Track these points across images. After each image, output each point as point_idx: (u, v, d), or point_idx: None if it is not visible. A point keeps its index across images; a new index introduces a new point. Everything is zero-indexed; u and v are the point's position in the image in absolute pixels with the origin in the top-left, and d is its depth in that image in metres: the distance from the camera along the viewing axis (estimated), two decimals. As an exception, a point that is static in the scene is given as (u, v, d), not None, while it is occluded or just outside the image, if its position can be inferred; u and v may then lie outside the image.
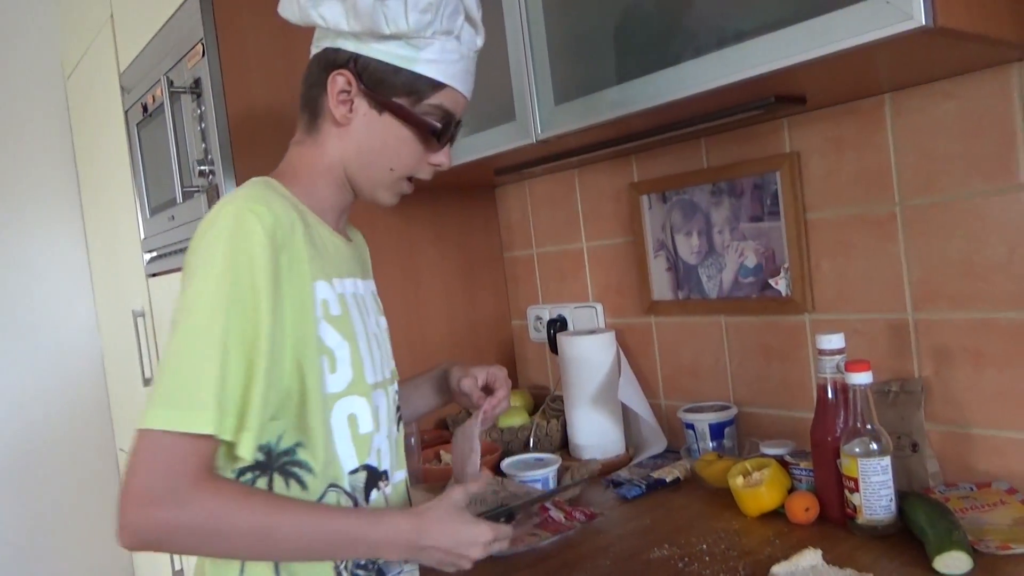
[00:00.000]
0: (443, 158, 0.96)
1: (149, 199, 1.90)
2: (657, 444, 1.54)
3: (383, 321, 1.04)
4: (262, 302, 0.78)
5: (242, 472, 0.84)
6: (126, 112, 1.97)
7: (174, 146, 1.63)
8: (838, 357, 1.10)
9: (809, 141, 1.30)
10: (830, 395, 1.11)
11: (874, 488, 1.02)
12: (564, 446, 1.65)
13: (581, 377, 1.57)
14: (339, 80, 0.90)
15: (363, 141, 0.92)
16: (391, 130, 0.91)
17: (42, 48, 2.57)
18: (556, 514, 1.25)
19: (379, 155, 0.93)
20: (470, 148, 1.38)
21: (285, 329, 0.81)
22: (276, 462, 0.84)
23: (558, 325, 1.78)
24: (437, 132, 0.92)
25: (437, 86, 0.90)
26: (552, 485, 1.40)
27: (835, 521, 1.09)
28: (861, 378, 1.04)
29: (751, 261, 1.40)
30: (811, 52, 0.89)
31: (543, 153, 1.43)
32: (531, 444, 1.62)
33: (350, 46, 0.90)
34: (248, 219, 0.79)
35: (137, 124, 1.89)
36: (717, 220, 1.45)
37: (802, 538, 1.05)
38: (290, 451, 0.85)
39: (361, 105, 0.91)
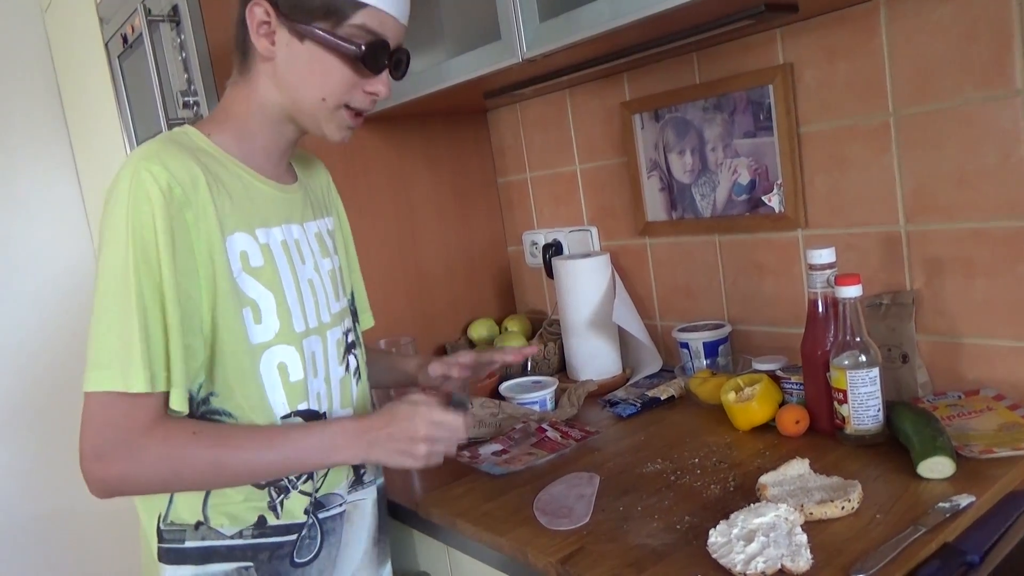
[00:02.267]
0: (379, 86, 0.91)
1: (136, 131, 1.88)
2: (653, 364, 1.56)
3: (327, 263, 1.01)
4: (163, 259, 0.79)
5: None
6: (106, 44, 1.92)
7: (156, 77, 1.59)
8: (828, 271, 1.10)
9: (802, 52, 1.26)
10: (820, 309, 1.11)
11: (862, 399, 1.03)
12: (562, 369, 1.67)
13: (577, 300, 1.57)
14: (256, 11, 0.87)
15: (290, 72, 0.89)
16: (315, 58, 0.87)
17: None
18: (552, 434, 1.27)
19: (307, 86, 0.89)
20: (456, 70, 1.35)
21: (197, 283, 0.83)
22: (196, 411, 0.87)
23: (553, 250, 1.78)
24: (361, 56, 0.87)
25: (357, 5, 0.86)
26: (550, 407, 1.43)
27: (825, 432, 1.11)
28: (850, 291, 1.04)
29: (744, 178, 1.39)
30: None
31: (531, 73, 1.39)
32: (529, 367, 1.64)
33: None
34: (144, 179, 0.79)
35: (118, 56, 1.85)
36: (710, 137, 1.43)
37: (792, 449, 1.07)
38: (205, 400, 0.87)
39: (282, 35, 0.87)
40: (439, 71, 1.39)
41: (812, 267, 1.11)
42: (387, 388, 1.33)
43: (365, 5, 0.86)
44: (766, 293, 1.41)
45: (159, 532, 0.88)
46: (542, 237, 1.83)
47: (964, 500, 0.84)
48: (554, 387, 1.44)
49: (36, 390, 2.47)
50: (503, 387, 1.47)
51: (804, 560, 0.76)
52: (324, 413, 0.96)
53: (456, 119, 1.87)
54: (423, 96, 1.45)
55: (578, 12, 1.10)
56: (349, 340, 1.03)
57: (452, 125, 1.87)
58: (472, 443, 1.27)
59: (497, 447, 1.26)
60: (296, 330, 0.91)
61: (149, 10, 1.58)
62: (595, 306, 1.57)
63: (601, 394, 1.47)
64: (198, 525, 0.88)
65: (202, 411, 0.87)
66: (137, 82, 1.78)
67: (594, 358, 1.57)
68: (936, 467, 0.91)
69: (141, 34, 1.62)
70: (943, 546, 0.79)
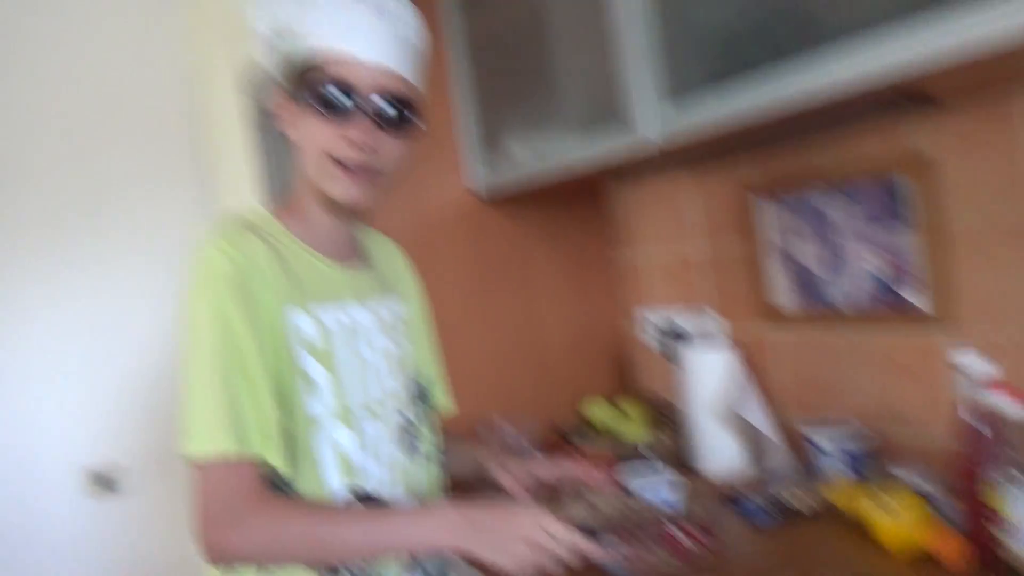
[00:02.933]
0: (353, 131, 0.88)
1: (272, 190, 1.98)
2: (781, 463, 1.47)
3: (390, 344, 1.01)
4: (242, 328, 0.83)
5: None
6: (249, 106, 2.06)
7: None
8: (983, 379, 1.01)
9: (943, 141, 1.18)
10: (976, 422, 1.02)
11: (1029, 529, 0.93)
12: (680, 459, 1.60)
13: (699, 388, 1.52)
14: (275, 102, 0.94)
15: (299, 143, 0.93)
16: (303, 118, 0.91)
17: (171, 51, 2.69)
18: (678, 534, 1.22)
19: (303, 148, 0.92)
20: (572, 149, 1.35)
21: (266, 353, 0.85)
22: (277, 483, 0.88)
23: (671, 330, 1.73)
24: (315, 97, 0.88)
25: (315, 53, 0.88)
26: (672, 501, 1.37)
27: (985, 560, 1.00)
28: (1011, 404, 0.95)
29: (879, 270, 1.31)
30: (948, 48, 0.81)
31: (651, 154, 1.38)
32: (645, 455, 1.58)
33: (271, 58, 0.94)
34: (214, 257, 0.85)
35: (257, 123, 1.97)
36: (841, 225, 1.36)
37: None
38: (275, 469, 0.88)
39: (291, 114, 0.93)
40: (559, 152, 1.40)
41: (964, 373, 1.02)
42: (464, 478, 1.30)
43: (321, 50, 0.87)
44: (907, 395, 1.31)
45: None
46: (659, 317, 1.79)
47: None
48: (677, 481, 1.38)
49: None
50: (622, 477, 1.43)
51: None
52: (383, 497, 0.95)
53: (573, 196, 1.88)
54: (540, 174, 1.47)
55: (704, 97, 1.08)
56: (413, 424, 1.02)
57: (569, 202, 1.87)
58: (589, 532, 1.22)
59: (618, 541, 1.21)
60: (351, 408, 0.92)
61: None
62: (717, 395, 1.51)
63: (725, 492, 1.40)
64: None
65: (278, 484, 0.88)
66: (274, 148, 1.89)
67: (717, 451, 1.51)
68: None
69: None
70: None
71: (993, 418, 0.98)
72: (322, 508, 0.87)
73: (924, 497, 1.09)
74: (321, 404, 0.90)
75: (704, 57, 1.11)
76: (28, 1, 2.47)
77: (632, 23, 1.18)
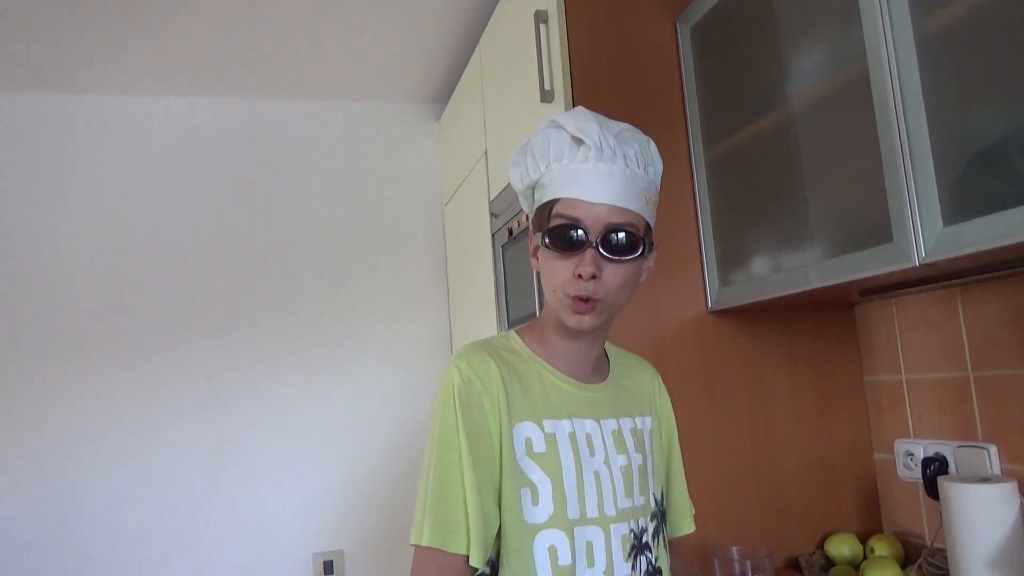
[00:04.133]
0: (583, 267, 0.95)
1: (509, 314, 2.08)
2: (1086, 633, 1.22)
3: (623, 459, 1.04)
4: (462, 437, 0.93)
5: None
6: (493, 235, 2.20)
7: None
8: None
9: None
10: None
11: None
12: (949, 614, 1.38)
13: (972, 533, 1.32)
14: (532, 241, 1.05)
15: (543, 276, 1.03)
16: (544, 258, 1.01)
17: (427, 180, 3.03)
18: None
19: (545, 284, 1.02)
20: (836, 270, 1.29)
21: (493, 458, 0.95)
22: None
23: (936, 465, 1.54)
24: (546, 236, 0.98)
25: (552, 203, 0.99)
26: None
27: None
28: None
29: None
30: None
31: (923, 275, 1.27)
32: (907, 607, 1.39)
33: (525, 206, 1.08)
34: (452, 373, 0.97)
35: (503, 246, 2.10)
36: None
37: None
38: (496, 569, 0.95)
39: (538, 250, 1.04)
40: (813, 271, 1.34)
41: None
42: None
43: (556, 200, 0.99)
44: None
45: None
46: (921, 449, 1.60)
47: None
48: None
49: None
50: (877, 628, 1.26)
51: None
52: None
53: (820, 311, 1.78)
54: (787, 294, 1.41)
55: (991, 217, 0.99)
56: (643, 541, 1.03)
57: (815, 317, 1.77)
58: None
59: None
60: (569, 516, 0.96)
61: (536, 210, 1.78)
62: (997, 543, 1.30)
63: (1010, 661, 1.18)
64: None
65: None
66: (516, 269, 2.00)
67: (997, 610, 1.28)
68: None
69: (526, 229, 1.82)
70: None
71: None
72: None
73: None
74: (541, 511, 0.95)
75: (982, 180, 1.03)
76: (302, 143, 2.92)
77: (903, 150, 1.13)
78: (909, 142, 1.12)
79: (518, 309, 1.99)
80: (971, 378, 1.51)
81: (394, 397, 2.87)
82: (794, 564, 1.64)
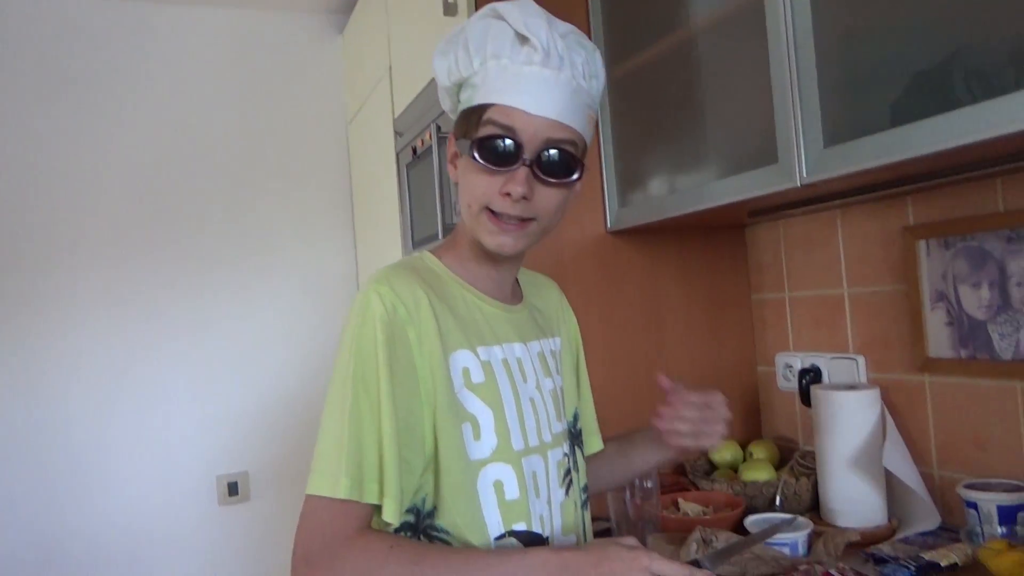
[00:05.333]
0: (512, 185, 0.86)
1: (414, 233, 2.07)
2: (927, 520, 1.37)
3: (549, 382, 0.99)
4: (381, 375, 0.82)
5: (397, 532, 0.86)
6: (398, 154, 2.16)
7: (438, 186, 1.76)
8: None
9: None
10: None
11: None
12: (814, 507, 1.52)
13: (838, 435, 1.44)
14: (449, 145, 0.95)
15: (461, 189, 0.94)
16: (464, 168, 0.92)
17: (330, 97, 2.92)
18: None
19: (461, 197, 0.93)
20: (724, 191, 1.34)
21: (418, 398, 0.84)
22: (422, 524, 0.87)
23: (811, 376, 1.66)
24: (474, 146, 0.87)
25: (484, 108, 0.88)
26: (802, 551, 1.30)
27: None
28: None
29: (1058, 320, 1.21)
30: None
31: (805, 195, 1.34)
32: (778, 502, 1.51)
33: (447, 105, 0.97)
34: (372, 300, 0.85)
35: (407, 165, 2.07)
36: (1015, 271, 1.27)
37: None
38: (430, 514, 0.87)
39: (459, 159, 0.94)
40: (705, 191, 1.39)
41: None
42: (622, 485, 1.25)
43: (489, 105, 0.88)
44: (1084, 457, 1.19)
45: None
46: (798, 361, 1.72)
47: None
48: (809, 530, 1.31)
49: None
50: (749, 521, 1.37)
51: None
52: (546, 537, 0.93)
53: (712, 232, 1.85)
54: (682, 214, 1.46)
55: (867, 140, 1.05)
56: (569, 463, 1.00)
57: (708, 238, 1.85)
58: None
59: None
60: (515, 448, 0.90)
61: (439, 127, 1.76)
62: (858, 444, 1.42)
63: (862, 545, 1.32)
64: None
65: (426, 525, 0.87)
66: (420, 188, 1.98)
67: (855, 503, 1.42)
68: None
69: (430, 147, 1.80)
70: None
71: None
72: (416, 548, 0.84)
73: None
74: (484, 446, 0.88)
75: (861, 105, 1.08)
76: (196, 53, 2.75)
77: (791, 76, 1.16)
78: (798, 68, 1.16)
79: (423, 230, 1.98)
80: (846, 295, 1.62)
81: (298, 320, 2.84)
82: (681, 470, 1.75)
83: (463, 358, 0.89)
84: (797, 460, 1.61)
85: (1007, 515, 1.22)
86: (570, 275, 1.69)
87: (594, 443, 1.17)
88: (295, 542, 0.82)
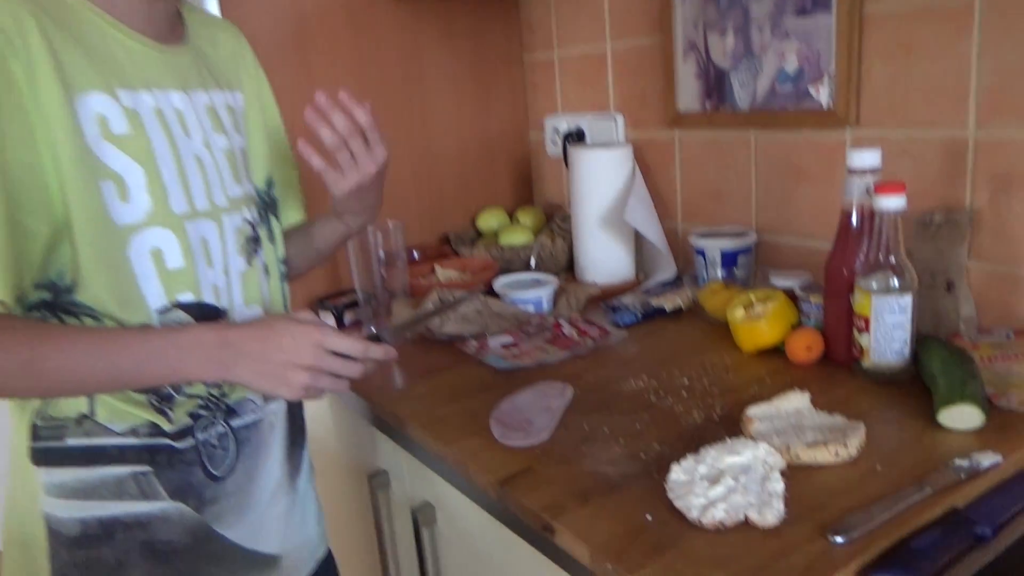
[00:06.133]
0: None
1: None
2: (666, 271, 1.41)
3: (223, 140, 0.86)
4: None
5: (30, 311, 0.73)
6: None
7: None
8: (869, 178, 0.93)
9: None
10: (854, 222, 0.95)
11: (887, 329, 0.88)
12: (570, 268, 1.54)
13: (591, 195, 1.42)
14: None
15: None
16: None
17: None
18: (568, 330, 1.17)
19: None
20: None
21: (35, 148, 0.68)
22: (60, 300, 0.74)
23: (575, 138, 1.61)
24: None
25: None
26: (547, 307, 1.31)
27: (839, 363, 0.97)
28: (891, 202, 0.87)
29: (792, 65, 1.19)
30: None
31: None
32: (533, 264, 1.51)
33: None
34: None
35: None
36: (757, 14, 1.22)
37: (797, 379, 0.94)
38: (69, 290, 0.74)
39: None
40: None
41: (852, 171, 0.94)
42: (315, 263, 1.15)
43: None
44: (802, 200, 1.23)
45: (33, 428, 0.77)
46: (565, 123, 1.66)
47: (987, 460, 0.70)
48: (553, 287, 1.32)
49: None
50: (498, 283, 1.35)
51: (774, 513, 0.64)
52: (224, 309, 0.83)
53: (479, -14, 1.68)
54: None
55: None
56: (256, 232, 0.89)
57: (478, -5, 1.68)
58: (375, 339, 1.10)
59: (508, 339, 1.16)
60: (175, 211, 0.78)
61: None
62: (611, 203, 1.41)
63: (606, 299, 1.34)
64: (82, 419, 0.76)
65: (64, 302, 0.74)
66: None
67: (604, 260, 1.43)
68: (961, 416, 0.77)
69: None
70: (950, 512, 0.66)
71: (872, 217, 0.91)
72: (39, 327, 0.71)
73: (792, 299, 1.04)
74: (136, 207, 0.75)
75: None
76: None
77: None
78: None
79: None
80: (608, 51, 1.54)
81: None
82: (445, 240, 1.70)
83: (97, 102, 0.73)
84: (557, 222, 1.60)
85: (729, 259, 1.26)
86: (318, 37, 1.47)
87: (293, 215, 1.05)
88: None
